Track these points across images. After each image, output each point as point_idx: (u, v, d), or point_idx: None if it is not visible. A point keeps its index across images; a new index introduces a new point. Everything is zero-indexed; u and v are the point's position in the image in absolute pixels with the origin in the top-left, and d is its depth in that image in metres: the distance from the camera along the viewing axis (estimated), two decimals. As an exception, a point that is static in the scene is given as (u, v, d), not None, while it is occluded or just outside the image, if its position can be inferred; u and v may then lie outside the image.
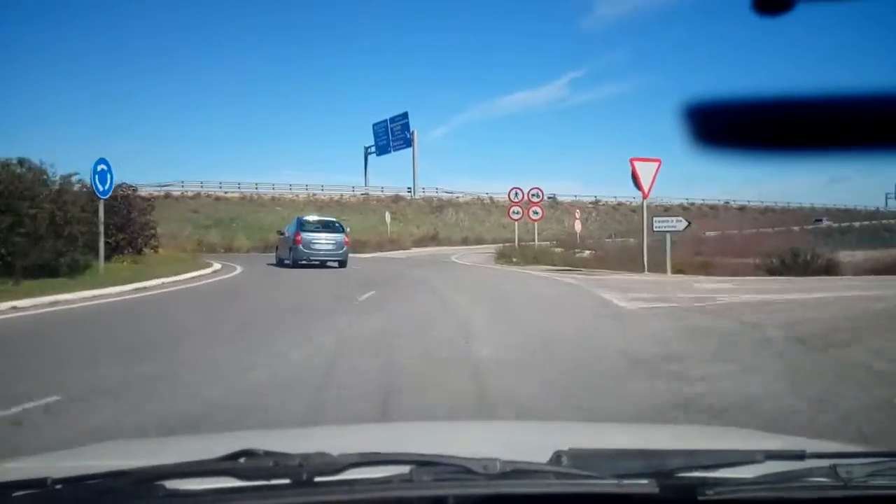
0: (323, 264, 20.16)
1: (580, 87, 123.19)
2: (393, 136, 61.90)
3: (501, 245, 32.34)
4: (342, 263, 20.38)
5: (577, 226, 36.59)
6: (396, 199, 58.68)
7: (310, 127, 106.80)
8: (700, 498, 1.02)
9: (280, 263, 21.46)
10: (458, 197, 61.76)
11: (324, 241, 20.20)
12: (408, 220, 53.25)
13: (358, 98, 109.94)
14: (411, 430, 2.34)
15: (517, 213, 28.64)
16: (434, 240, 43.14)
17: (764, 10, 0.68)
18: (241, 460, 1.05)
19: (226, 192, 56.18)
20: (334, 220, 22.76)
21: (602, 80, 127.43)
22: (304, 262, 19.87)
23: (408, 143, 61.02)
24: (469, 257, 29.59)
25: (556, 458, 1.09)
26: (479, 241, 44.47)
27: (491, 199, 61.86)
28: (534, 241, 29.37)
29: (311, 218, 22.43)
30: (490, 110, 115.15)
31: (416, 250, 37.15)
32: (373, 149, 64.12)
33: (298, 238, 20.04)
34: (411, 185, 61.71)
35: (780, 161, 0.76)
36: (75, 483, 1.03)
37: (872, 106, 0.70)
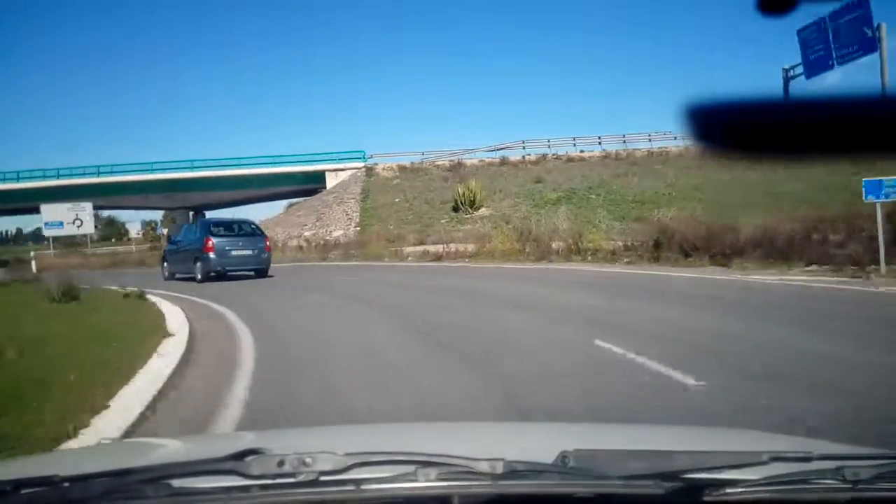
0: (222, 276, 16.10)
1: None
2: (836, 40, 38.23)
3: None
4: (261, 273, 16.80)
5: None
6: (855, 139, 35.32)
7: (703, 49, 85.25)
8: (706, 499, 1.02)
9: (171, 277, 17.62)
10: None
11: (241, 248, 16.75)
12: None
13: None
14: (417, 430, 2.31)
15: None
16: None
17: (767, 10, 0.69)
18: (248, 459, 1.03)
19: (581, 152, 39.47)
20: (247, 220, 19.73)
21: None
22: (215, 274, 16.14)
23: (868, 46, 36.83)
24: None
25: (562, 458, 1.08)
26: None
27: None
28: None
29: (219, 220, 20.92)
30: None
31: None
32: (797, 69, 41.28)
33: (209, 245, 16.26)
34: (877, 116, 37.42)
35: (784, 162, 0.76)
36: (83, 481, 1.02)
37: (880, 108, 0.70)
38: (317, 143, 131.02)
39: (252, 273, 16.52)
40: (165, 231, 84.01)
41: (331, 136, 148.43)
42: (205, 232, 16.85)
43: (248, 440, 1.51)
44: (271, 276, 16.65)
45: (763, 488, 1.04)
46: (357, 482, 1.02)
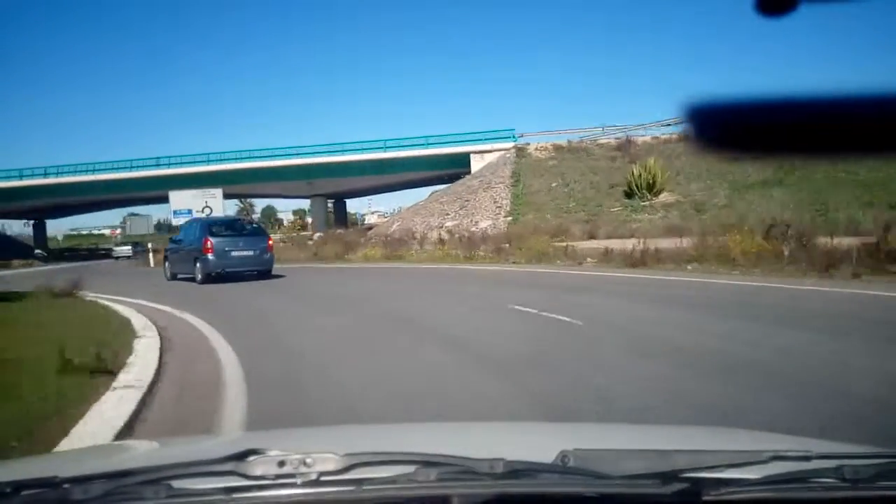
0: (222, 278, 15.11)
1: None
2: None
3: None
4: (264, 273, 15.96)
5: None
6: None
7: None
8: (706, 498, 1.01)
9: (174, 278, 17.01)
10: None
11: (241, 248, 15.80)
12: None
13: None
14: (417, 431, 2.25)
15: None
16: None
17: (766, 11, 0.67)
18: (248, 459, 1.03)
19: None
20: (248, 219, 19.14)
21: None
22: (216, 275, 15.20)
23: None
24: None
25: (562, 457, 1.08)
26: None
27: None
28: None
29: (218, 219, 19.88)
30: None
31: None
32: None
33: (208, 246, 15.37)
34: None
35: (788, 160, 0.76)
36: (83, 482, 1.02)
37: (882, 107, 0.70)
38: (460, 125, 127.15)
39: (255, 273, 15.74)
40: (310, 220, 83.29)
41: (474, 117, 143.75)
42: (204, 232, 15.99)
43: (248, 440, 1.47)
44: (281, 277, 15.53)
45: (763, 487, 1.03)
46: (357, 482, 1.02)
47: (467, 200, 31.46)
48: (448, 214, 30.60)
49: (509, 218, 28.26)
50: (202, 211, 33.72)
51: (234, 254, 15.60)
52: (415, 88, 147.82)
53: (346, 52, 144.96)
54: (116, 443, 2.75)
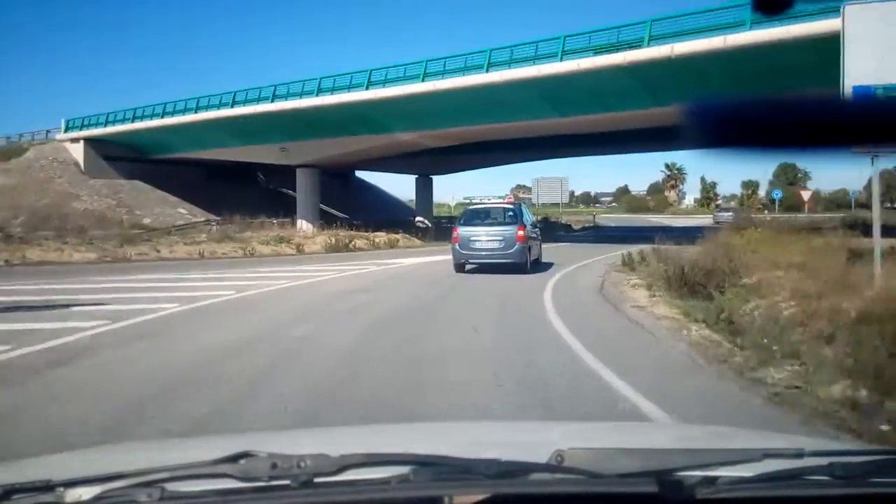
0: (473, 268, 14.95)
1: None
2: None
3: None
4: (517, 267, 14.47)
5: None
6: None
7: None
8: (699, 497, 1.02)
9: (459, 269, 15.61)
10: None
11: (485, 238, 14.74)
12: None
13: None
14: (411, 431, 2.31)
15: None
16: None
17: (764, 10, 0.71)
18: (241, 461, 1.04)
19: None
20: (509, 205, 17.16)
21: None
22: (465, 264, 14.93)
23: None
24: None
25: (557, 457, 1.08)
26: None
27: None
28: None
29: (477, 207, 18.07)
30: None
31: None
32: None
33: (455, 235, 15.29)
34: None
35: (788, 158, 0.80)
36: (76, 485, 1.03)
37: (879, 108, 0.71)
38: None
39: (508, 264, 14.30)
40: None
41: None
42: (458, 221, 15.70)
43: (241, 442, 1.48)
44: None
45: (756, 485, 1.04)
46: (351, 484, 1.01)
47: None
48: None
49: None
50: None
51: (476, 245, 14.72)
52: None
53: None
54: (110, 445, 2.74)
